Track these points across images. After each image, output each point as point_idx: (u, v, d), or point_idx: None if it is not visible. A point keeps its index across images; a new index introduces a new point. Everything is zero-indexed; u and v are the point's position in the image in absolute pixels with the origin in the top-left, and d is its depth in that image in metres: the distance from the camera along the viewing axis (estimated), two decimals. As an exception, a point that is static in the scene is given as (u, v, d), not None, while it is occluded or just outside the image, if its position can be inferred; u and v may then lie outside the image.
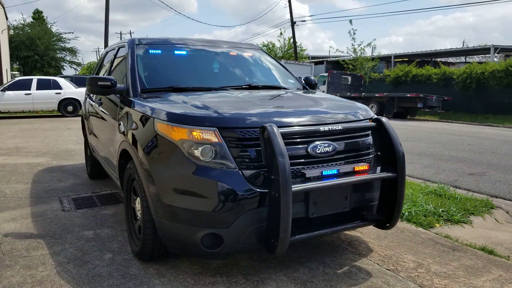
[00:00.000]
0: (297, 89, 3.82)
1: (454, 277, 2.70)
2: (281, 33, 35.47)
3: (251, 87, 3.54)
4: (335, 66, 30.86)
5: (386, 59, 32.18)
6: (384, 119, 2.64)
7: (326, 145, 2.49)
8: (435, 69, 22.04)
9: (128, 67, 3.49)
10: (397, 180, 2.53)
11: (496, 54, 23.68)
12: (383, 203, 2.67)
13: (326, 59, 36.69)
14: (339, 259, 2.92)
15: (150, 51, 3.75)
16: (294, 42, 32.07)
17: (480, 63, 20.62)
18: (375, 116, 2.70)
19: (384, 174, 2.52)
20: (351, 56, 27.81)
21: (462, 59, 35.31)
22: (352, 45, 27.43)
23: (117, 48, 4.33)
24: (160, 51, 3.80)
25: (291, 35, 32.58)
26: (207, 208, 2.29)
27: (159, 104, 2.81)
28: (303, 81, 4.02)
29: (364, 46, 26.48)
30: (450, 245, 3.30)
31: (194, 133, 2.38)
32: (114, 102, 3.53)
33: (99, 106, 4.10)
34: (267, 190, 2.27)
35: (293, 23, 32.15)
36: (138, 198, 2.91)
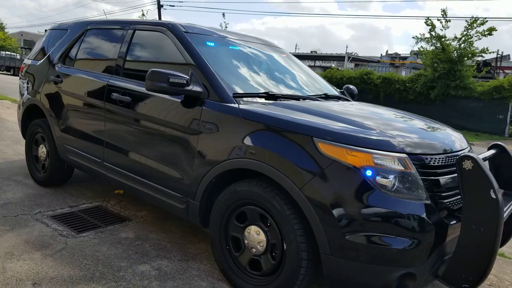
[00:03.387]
0: (350, 99, 3.77)
1: None
2: (143, 15, 33.22)
3: (327, 97, 3.34)
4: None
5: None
6: (503, 144, 2.79)
7: None
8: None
9: (193, 62, 2.84)
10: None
11: (349, 62, 27.47)
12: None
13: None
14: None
15: (207, 43, 3.14)
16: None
17: (338, 69, 23.59)
18: (494, 142, 2.85)
19: None
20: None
21: (309, 63, 39.73)
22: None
23: (130, 31, 3.40)
24: (214, 44, 3.21)
25: (156, 17, 30.93)
26: (407, 245, 2.09)
27: (306, 119, 2.40)
28: (345, 90, 3.95)
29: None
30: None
31: (382, 160, 2.14)
32: (176, 105, 2.81)
33: (122, 105, 3.17)
34: (456, 222, 2.22)
35: (160, 6, 30.60)
36: (253, 226, 2.47)
